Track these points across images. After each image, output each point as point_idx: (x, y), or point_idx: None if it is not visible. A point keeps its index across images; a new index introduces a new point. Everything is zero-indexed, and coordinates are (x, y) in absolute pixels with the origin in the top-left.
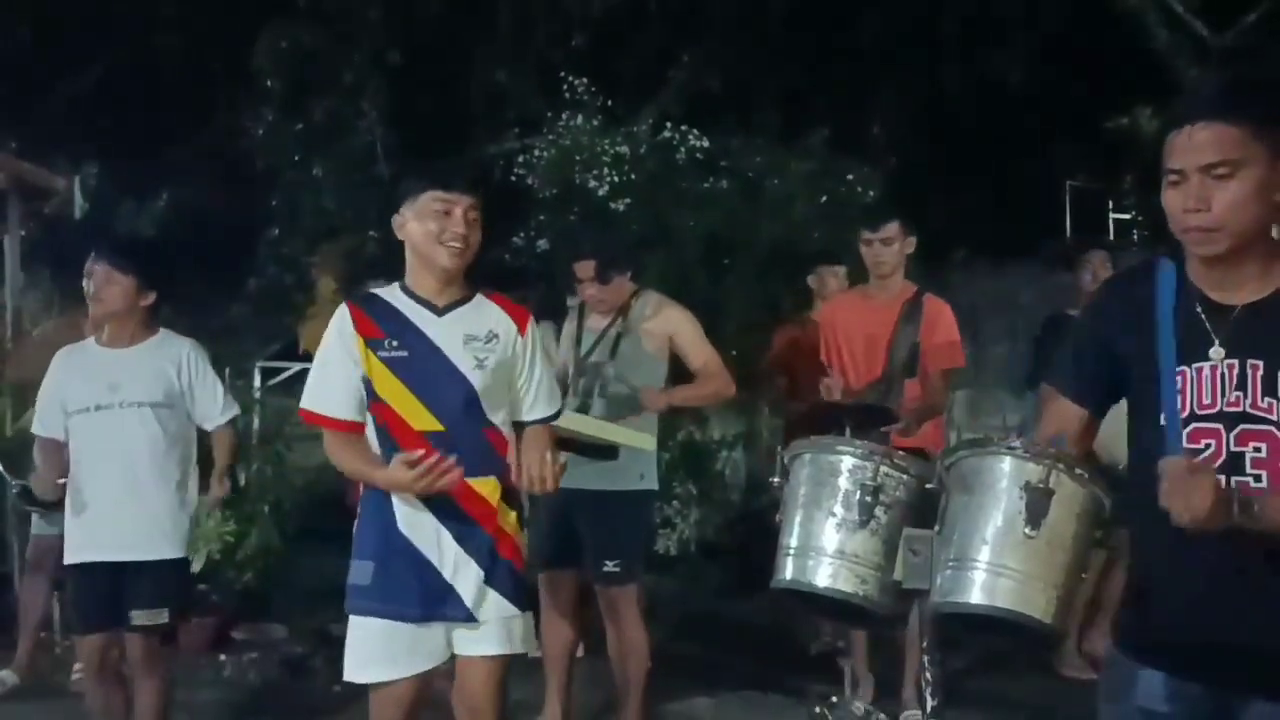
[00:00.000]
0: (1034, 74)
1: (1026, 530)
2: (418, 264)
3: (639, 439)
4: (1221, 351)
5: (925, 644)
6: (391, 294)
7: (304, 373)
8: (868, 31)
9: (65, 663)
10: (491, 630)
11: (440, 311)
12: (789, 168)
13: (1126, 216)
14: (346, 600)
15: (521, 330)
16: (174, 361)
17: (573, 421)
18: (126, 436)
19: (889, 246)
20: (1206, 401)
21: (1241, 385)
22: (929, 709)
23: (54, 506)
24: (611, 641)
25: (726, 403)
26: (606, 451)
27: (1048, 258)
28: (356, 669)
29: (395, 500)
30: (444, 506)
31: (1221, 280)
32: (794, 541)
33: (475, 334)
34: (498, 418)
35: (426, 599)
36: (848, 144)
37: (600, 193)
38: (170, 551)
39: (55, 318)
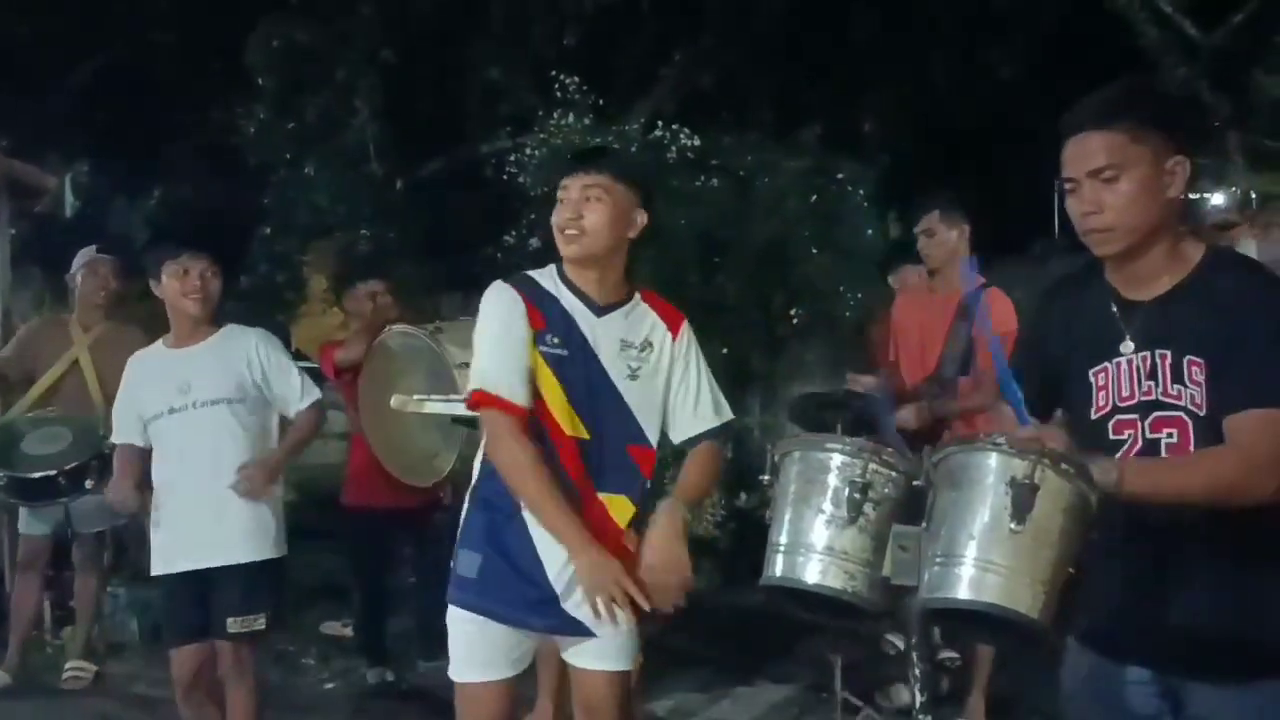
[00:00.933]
0: (1024, 72)
1: (1012, 525)
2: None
3: None
4: (1131, 345)
5: (914, 640)
6: (552, 283)
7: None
8: (859, 30)
9: (56, 662)
10: (609, 644)
11: (600, 311)
12: (781, 166)
13: None
14: (449, 589)
15: (674, 335)
16: (243, 354)
17: None
18: (204, 436)
19: (931, 239)
20: (1125, 394)
21: (1153, 375)
22: (919, 704)
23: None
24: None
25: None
26: None
27: (1038, 255)
28: (457, 667)
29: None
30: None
31: (1131, 278)
32: (783, 538)
33: (631, 340)
34: (648, 432)
35: (528, 605)
36: (840, 142)
37: None
38: (259, 553)
39: (43, 315)
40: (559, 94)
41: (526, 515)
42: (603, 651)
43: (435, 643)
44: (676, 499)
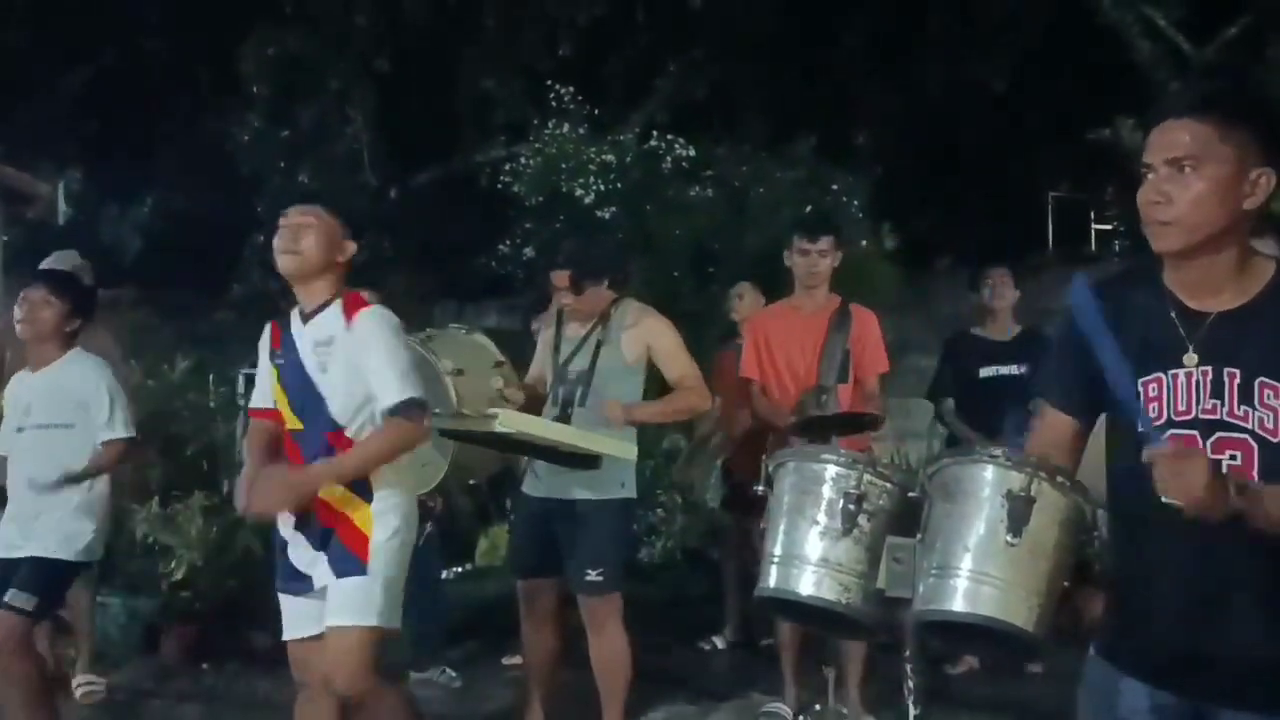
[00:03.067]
0: (1018, 85)
1: (1008, 538)
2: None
3: (620, 448)
4: (1195, 358)
5: (909, 653)
6: (296, 308)
7: None
8: (853, 42)
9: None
10: (330, 600)
11: (305, 319)
12: (775, 177)
13: (1108, 227)
14: None
15: (348, 323)
16: (77, 381)
17: (553, 431)
18: (33, 455)
19: (824, 258)
20: (1182, 408)
21: (1218, 393)
22: (912, 717)
23: None
24: (593, 649)
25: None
26: (588, 461)
27: (1031, 268)
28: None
29: None
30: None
31: (1196, 286)
32: (778, 550)
33: (320, 339)
34: (347, 418)
35: (285, 574)
36: (833, 153)
37: (586, 201)
38: (55, 553)
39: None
40: (554, 104)
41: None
42: (330, 609)
43: (426, 654)
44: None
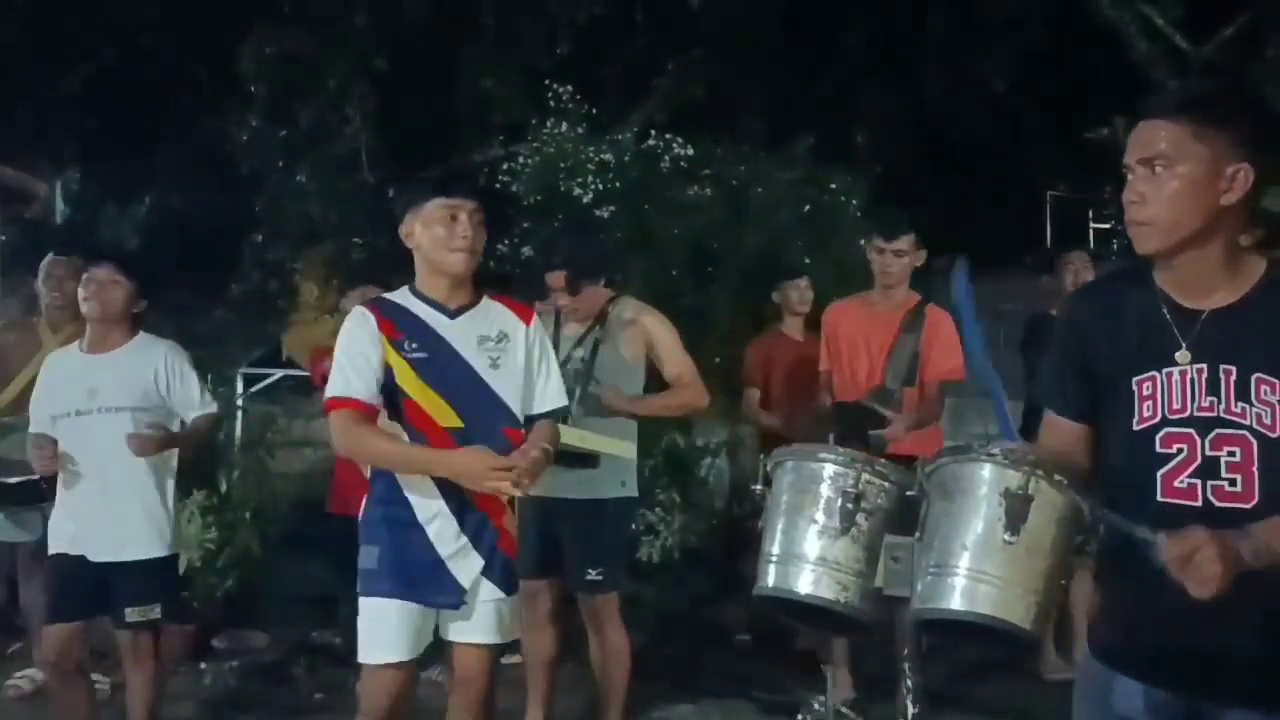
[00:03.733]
0: (1016, 84)
1: (1006, 537)
2: (427, 270)
3: (620, 447)
4: (1188, 355)
5: (906, 651)
6: (403, 297)
7: (287, 379)
8: (852, 41)
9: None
10: (481, 618)
11: (452, 314)
12: (773, 176)
13: (1106, 226)
14: (358, 584)
15: (527, 323)
16: (151, 364)
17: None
18: (106, 440)
19: (900, 258)
20: (1177, 406)
21: (1214, 390)
22: (910, 716)
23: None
24: (593, 648)
25: (710, 409)
26: (588, 460)
27: (1030, 267)
28: (368, 650)
29: (405, 486)
30: (456, 495)
31: (1187, 285)
32: (776, 549)
33: (487, 335)
34: (517, 413)
35: (425, 583)
36: (832, 152)
37: (584, 200)
38: (154, 551)
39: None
40: (552, 103)
41: (420, 504)
42: (475, 626)
43: (424, 653)
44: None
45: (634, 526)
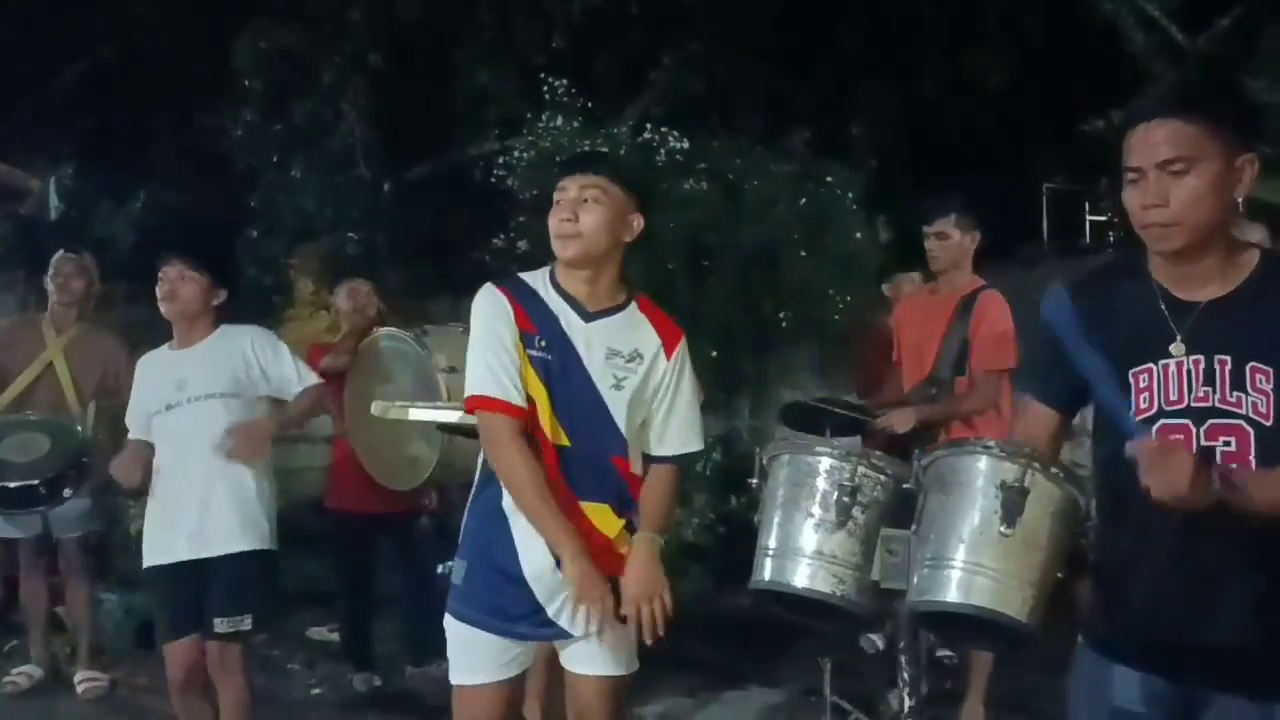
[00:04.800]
0: (1012, 77)
1: (1002, 529)
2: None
3: None
4: (1183, 347)
5: (904, 644)
6: (543, 285)
7: None
8: (848, 34)
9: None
10: (591, 646)
11: (590, 317)
12: (770, 170)
13: (1102, 218)
14: (449, 597)
15: (668, 352)
16: (238, 350)
17: None
18: (197, 427)
19: (943, 241)
20: (1173, 397)
21: (1209, 381)
22: (907, 708)
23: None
24: None
25: (707, 405)
26: None
27: (1025, 260)
28: (455, 671)
29: (510, 512)
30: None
31: (1183, 277)
32: (772, 542)
33: (619, 349)
34: (631, 444)
35: (511, 615)
36: (828, 146)
37: None
38: (245, 544)
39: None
40: (548, 97)
41: (513, 523)
42: (594, 656)
43: (422, 647)
44: (647, 529)
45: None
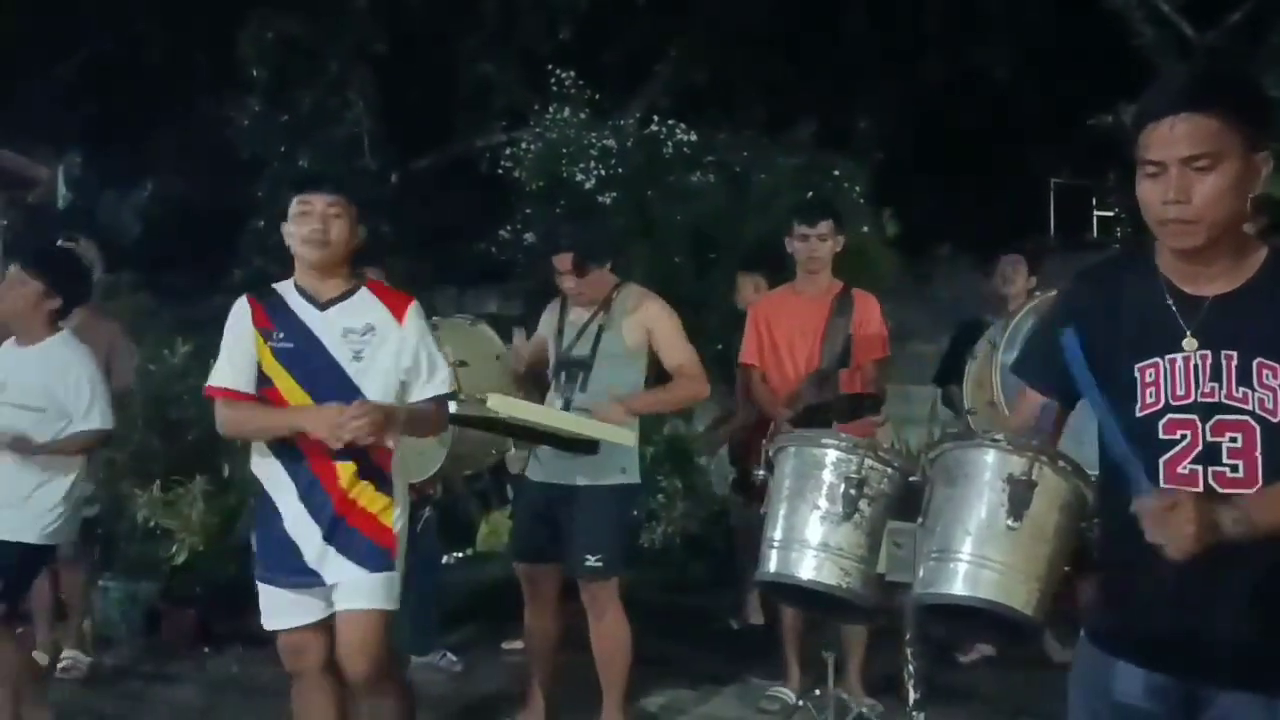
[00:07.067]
0: (1019, 71)
1: (1009, 522)
2: (299, 262)
3: (619, 434)
4: (1194, 343)
5: (909, 636)
6: (284, 288)
7: None
8: (854, 27)
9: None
10: (345, 589)
11: (322, 306)
12: (775, 162)
13: (1109, 213)
14: None
15: (399, 319)
16: (61, 365)
17: (552, 417)
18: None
19: (824, 242)
20: (1180, 393)
21: (1216, 376)
22: (911, 701)
23: None
24: (594, 634)
25: (712, 397)
26: (587, 446)
27: (1032, 255)
28: (265, 618)
29: (270, 478)
30: (306, 480)
31: (1193, 273)
32: (778, 535)
33: (353, 327)
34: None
35: (281, 565)
36: (834, 139)
37: (587, 186)
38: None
39: None
40: (555, 89)
41: (276, 490)
42: (343, 595)
43: (425, 637)
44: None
45: (635, 513)
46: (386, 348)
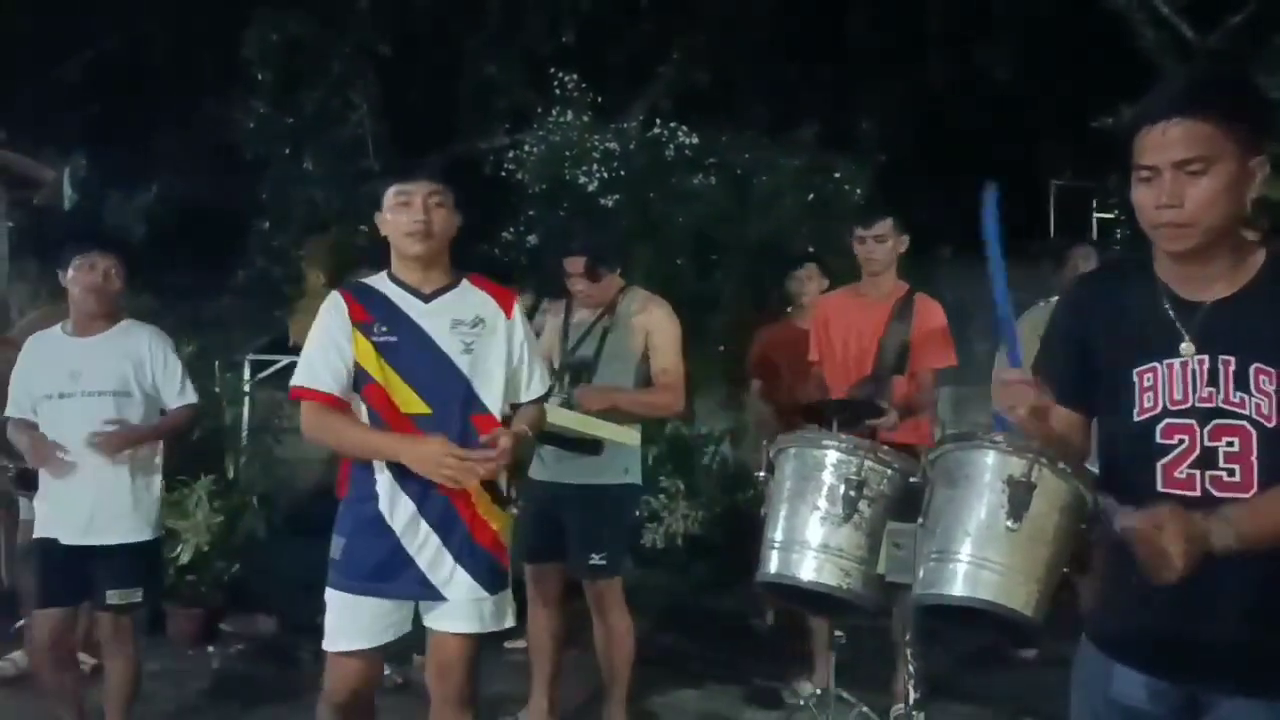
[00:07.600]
0: (1020, 72)
1: (1009, 523)
2: (396, 255)
3: (623, 434)
4: (1192, 347)
5: (909, 637)
6: (380, 282)
7: (293, 365)
8: (856, 28)
9: None
10: (460, 609)
11: (427, 298)
12: (777, 164)
13: (1110, 216)
14: (328, 575)
15: (508, 313)
16: (135, 350)
17: (557, 416)
18: (88, 423)
19: (881, 244)
20: (1178, 397)
21: (1213, 381)
22: (911, 701)
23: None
24: (597, 634)
25: (714, 398)
26: (591, 446)
27: (1032, 256)
28: (330, 637)
29: (379, 479)
30: (421, 487)
31: (1191, 277)
32: (779, 535)
33: (462, 319)
34: (488, 402)
35: (392, 575)
36: (836, 141)
37: (590, 188)
38: (137, 535)
39: (40, 309)
40: (557, 91)
41: (388, 496)
42: (455, 615)
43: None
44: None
45: (638, 513)
46: (496, 341)
